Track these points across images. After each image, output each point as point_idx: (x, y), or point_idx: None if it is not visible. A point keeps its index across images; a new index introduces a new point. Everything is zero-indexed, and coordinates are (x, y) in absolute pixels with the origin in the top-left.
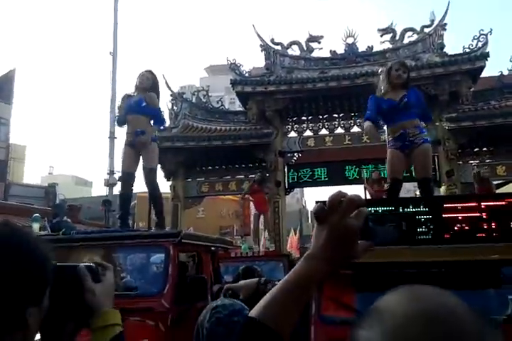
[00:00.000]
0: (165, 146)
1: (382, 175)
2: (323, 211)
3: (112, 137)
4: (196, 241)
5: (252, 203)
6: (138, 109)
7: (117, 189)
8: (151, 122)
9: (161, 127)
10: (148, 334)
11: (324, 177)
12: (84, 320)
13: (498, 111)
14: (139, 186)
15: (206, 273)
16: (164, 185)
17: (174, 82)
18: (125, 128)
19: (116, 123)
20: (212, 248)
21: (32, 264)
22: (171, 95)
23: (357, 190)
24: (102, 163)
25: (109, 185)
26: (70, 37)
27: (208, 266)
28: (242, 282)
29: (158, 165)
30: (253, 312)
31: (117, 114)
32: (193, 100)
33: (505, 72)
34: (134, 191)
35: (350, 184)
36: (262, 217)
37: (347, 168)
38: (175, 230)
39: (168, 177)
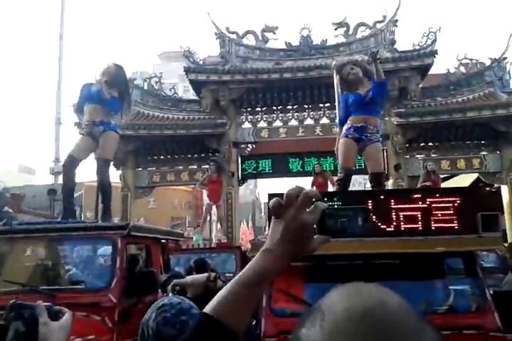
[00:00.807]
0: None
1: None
2: (279, 205)
3: (58, 123)
4: (145, 233)
5: (205, 194)
6: (98, 98)
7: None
8: (112, 113)
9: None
10: (94, 329)
11: (277, 169)
12: None
13: (444, 107)
14: (87, 175)
15: (156, 266)
16: (114, 174)
17: (126, 67)
18: (78, 117)
19: (74, 112)
20: (162, 240)
21: None
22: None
23: (308, 182)
24: (47, 150)
25: (55, 173)
26: (17, 17)
27: (158, 258)
28: (190, 278)
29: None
30: (207, 309)
31: (75, 103)
32: (145, 87)
33: (452, 70)
34: (81, 180)
35: (304, 176)
36: (214, 207)
37: (300, 159)
38: (123, 222)
39: (117, 166)
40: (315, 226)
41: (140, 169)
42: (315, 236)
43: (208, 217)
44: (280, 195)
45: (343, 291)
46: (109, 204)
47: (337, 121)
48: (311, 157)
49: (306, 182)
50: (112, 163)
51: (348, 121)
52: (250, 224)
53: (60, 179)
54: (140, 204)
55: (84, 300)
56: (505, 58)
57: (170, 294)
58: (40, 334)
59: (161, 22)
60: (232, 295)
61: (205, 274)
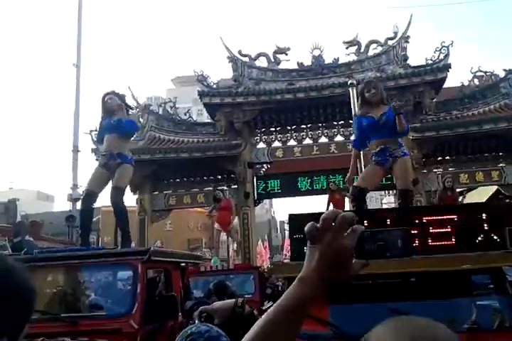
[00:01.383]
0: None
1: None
2: (315, 230)
3: (76, 150)
4: (165, 257)
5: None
6: (117, 127)
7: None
8: (127, 139)
9: (133, 134)
10: None
11: (293, 188)
12: None
13: (460, 121)
14: (104, 200)
15: (176, 290)
16: (130, 199)
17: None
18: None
19: (94, 143)
20: (182, 264)
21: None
22: (137, 107)
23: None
24: (64, 177)
25: (73, 199)
26: (33, 48)
27: (178, 282)
28: (217, 304)
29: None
30: (246, 338)
31: (95, 133)
32: (160, 112)
33: (466, 83)
34: (97, 205)
35: (319, 194)
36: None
37: (315, 178)
38: (143, 247)
39: (134, 190)
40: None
41: (156, 192)
42: (354, 261)
43: (224, 237)
44: (301, 216)
45: (390, 326)
46: (127, 229)
47: (352, 140)
48: (329, 175)
49: (320, 200)
50: (127, 189)
51: (370, 147)
52: (266, 244)
53: (78, 205)
54: (157, 227)
55: (106, 327)
56: None
57: (196, 321)
58: None
59: (173, 47)
60: (269, 327)
61: (232, 300)
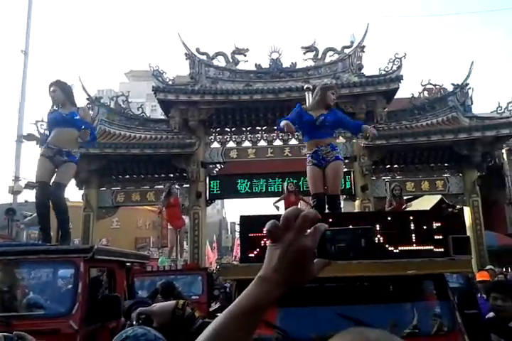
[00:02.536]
0: (79, 156)
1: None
2: (276, 228)
3: (20, 141)
4: (110, 256)
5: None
6: (70, 121)
7: (22, 197)
8: (80, 138)
9: (93, 145)
10: None
11: (246, 190)
12: None
13: (409, 131)
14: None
15: (120, 290)
16: (76, 194)
17: (91, 85)
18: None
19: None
20: (127, 263)
21: None
22: (88, 99)
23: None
24: (6, 168)
25: (14, 192)
26: None
27: (122, 282)
28: (156, 306)
29: None
30: (199, 339)
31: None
32: (112, 105)
33: (416, 95)
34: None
35: (273, 196)
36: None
37: (269, 180)
38: (86, 245)
39: (80, 185)
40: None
41: (104, 188)
42: (315, 260)
43: (173, 242)
44: (252, 218)
45: (348, 338)
46: (68, 227)
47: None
48: (280, 178)
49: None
50: (73, 182)
51: (307, 148)
52: (214, 245)
53: (19, 198)
54: (103, 225)
55: (44, 327)
56: (468, 84)
57: (134, 323)
58: None
59: (129, 40)
60: (225, 327)
61: (173, 302)
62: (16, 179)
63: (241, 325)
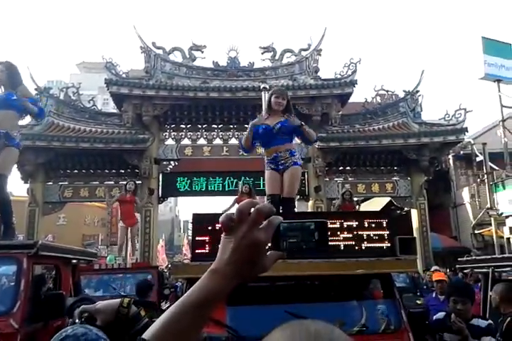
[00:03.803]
0: (24, 145)
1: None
2: (230, 221)
3: None
4: (55, 252)
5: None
6: (7, 103)
7: None
8: (24, 116)
9: (41, 117)
10: None
11: (200, 188)
12: None
13: (362, 134)
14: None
15: (65, 288)
16: (21, 188)
17: (40, 75)
18: None
19: None
20: (74, 260)
21: None
22: (36, 89)
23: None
24: None
25: None
26: None
27: (68, 280)
28: (100, 303)
29: (15, 166)
30: (147, 334)
31: None
32: (61, 97)
33: (370, 100)
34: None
35: (227, 195)
36: (129, 229)
37: (224, 178)
38: (30, 240)
39: (25, 179)
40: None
41: (50, 183)
42: (268, 253)
43: (123, 240)
44: (205, 216)
45: (288, 330)
46: (10, 222)
47: (245, 149)
48: (234, 177)
49: (227, 202)
50: (17, 176)
51: (265, 154)
52: (162, 243)
53: None
54: (49, 221)
55: None
56: (418, 91)
57: (77, 321)
58: None
59: (82, 30)
60: (174, 319)
61: (118, 300)
62: None
63: (191, 319)
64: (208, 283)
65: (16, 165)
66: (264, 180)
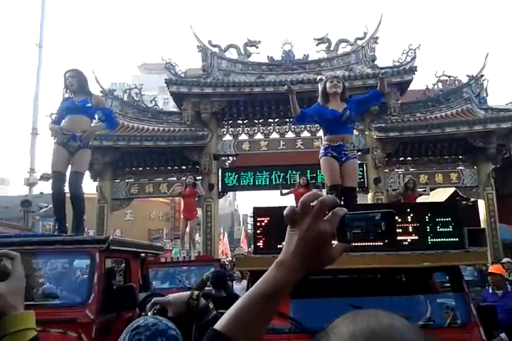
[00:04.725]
0: (92, 145)
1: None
2: (294, 213)
3: (35, 133)
4: (125, 247)
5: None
6: (82, 109)
7: (37, 189)
8: (95, 124)
9: (113, 127)
10: None
11: (258, 182)
12: None
13: (423, 123)
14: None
15: (134, 281)
16: (90, 186)
17: (104, 78)
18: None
19: (51, 124)
20: (142, 254)
21: None
22: (101, 92)
23: (291, 195)
24: (20, 160)
25: (30, 184)
26: None
27: (137, 273)
28: (171, 296)
29: None
30: (218, 325)
31: (55, 115)
32: (125, 98)
33: (430, 86)
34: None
35: (286, 189)
36: (190, 222)
37: (281, 172)
38: (102, 236)
39: (94, 177)
40: (334, 234)
41: (118, 181)
42: (334, 245)
43: (183, 231)
44: (266, 210)
45: (349, 317)
46: (82, 218)
47: (295, 117)
48: (292, 170)
49: (291, 195)
50: (87, 174)
51: (325, 141)
52: (225, 236)
53: (34, 190)
54: (116, 216)
55: (60, 317)
56: (483, 76)
57: (149, 313)
58: None
59: (142, 33)
60: (243, 311)
61: (188, 292)
62: (31, 171)
63: (260, 310)
64: (275, 274)
65: None
66: (313, 173)
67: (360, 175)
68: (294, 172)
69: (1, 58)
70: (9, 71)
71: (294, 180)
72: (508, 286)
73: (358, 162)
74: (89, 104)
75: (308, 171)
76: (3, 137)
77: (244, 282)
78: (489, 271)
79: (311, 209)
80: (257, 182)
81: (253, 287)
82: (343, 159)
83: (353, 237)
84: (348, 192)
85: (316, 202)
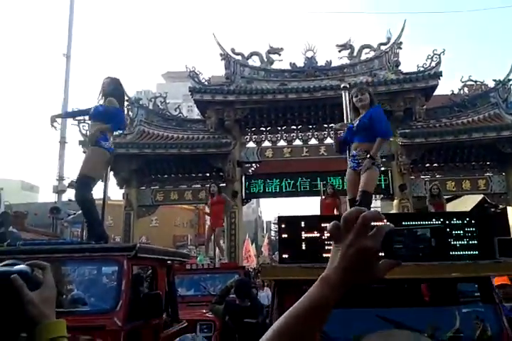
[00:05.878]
0: (118, 153)
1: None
2: (338, 229)
3: (63, 142)
4: (152, 254)
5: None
6: (94, 114)
7: (66, 196)
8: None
9: (119, 130)
10: None
11: (281, 189)
12: (28, 336)
13: (449, 128)
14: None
15: (161, 288)
16: (117, 193)
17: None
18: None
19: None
20: (168, 261)
21: None
22: (127, 100)
23: (314, 203)
24: (50, 168)
25: (58, 191)
26: (23, 37)
27: (163, 280)
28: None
29: (111, 173)
30: (263, 339)
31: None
32: (150, 106)
33: (456, 92)
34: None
35: (307, 196)
36: (216, 230)
37: (305, 179)
38: (129, 243)
39: (121, 184)
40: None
41: (143, 188)
42: (382, 261)
43: (212, 237)
44: (291, 218)
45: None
46: (95, 224)
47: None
48: (316, 177)
49: (313, 203)
50: (113, 182)
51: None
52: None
53: (63, 197)
54: (142, 223)
55: (89, 323)
56: (510, 80)
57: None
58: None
59: (165, 42)
60: (288, 326)
61: None
62: (60, 179)
63: (304, 324)
64: (318, 289)
65: (112, 172)
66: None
67: (384, 181)
68: (318, 179)
69: (30, 68)
70: (38, 80)
71: (314, 188)
72: None
73: (377, 170)
74: (100, 109)
75: (332, 178)
76: (33, 145)
77: (267, 289)
78: (497, 283)
79: (354, 224)
80: (280, 189)
81: (297, 303)
82: (358, 169)
83: (405, 252)
84: (361, 195)
85: (358, 218)
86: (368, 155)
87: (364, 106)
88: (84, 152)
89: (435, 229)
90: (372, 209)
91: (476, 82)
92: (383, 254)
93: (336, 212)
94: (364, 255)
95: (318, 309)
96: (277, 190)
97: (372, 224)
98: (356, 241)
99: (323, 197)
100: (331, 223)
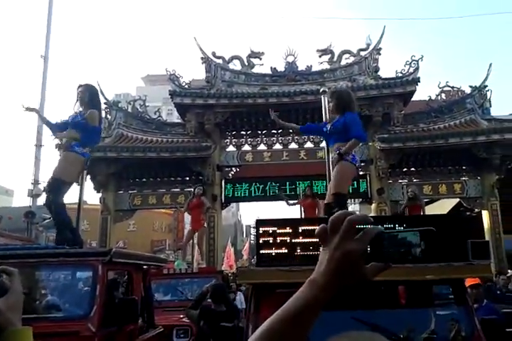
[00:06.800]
0: (96, 157)
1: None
2: (325, 232)
3: (39, 145)
4: (127, 259)
5: (186, 217)
6: (73, 123)
7: (41, 200)
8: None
9: (90, 146)
10: None
11: (261, 193)
12: None
13: (427, 133)
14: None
15: (137, 293)
16: (94, 197)
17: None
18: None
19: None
20: (145, 266)
21: None
22: (105, 103)
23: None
24: (25, 171)
25: (33, 195)
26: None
27: (139, 285)
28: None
29: (88, 177)
30: None
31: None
32: (129, 109)
33: (434, 97)
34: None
35: (290, 200)
36: (198, 231)
37: (285, 183)
38: (104, 248)
39: (98, 189)
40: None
41: (121, 192)
42: (370, 264)
43: (190, 241)
44: (269, 222)
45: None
46: (65, 230)
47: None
48: (296, 181)
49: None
50: (90, 185)
51: None
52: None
53: (38, 201)
54: (120, 227)
55: (62, 329)
56: (486, 86)
57: None
58: None
59: (146, 45)
60: (274, 329)
61: None
62: (36, 182)
63: (290, 327)
64: (305, 292)
65: (89, 176)
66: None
67: (363, 185)
68: (298, 183)
69: (6, 69)
70: (14, 82)
71: (293, 192)
72: (485, 300)
73: (348, 164)
74: (78, 119)
75: (312, 182)
76: (8, 148)
77: (240, 294)
78: (469, 283)
79: (340, 227)
80: (260, 193)
81: (284, 305)
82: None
83: (394, 254)
84: (334, 198)
85: (344, 221)
86: (338, 151)
87: (333, 111)
88: (60, 155)
89: (425, 231)
90: (359, 213)
91: (453, 87)
92: (372, 257)
93: (316, 213)
94: (349, 258)
95: (306, 311)
96: (257, 194)
97: (362, 227)
98: (342, 244)
99: (302, 198)
100: (319, 226)
